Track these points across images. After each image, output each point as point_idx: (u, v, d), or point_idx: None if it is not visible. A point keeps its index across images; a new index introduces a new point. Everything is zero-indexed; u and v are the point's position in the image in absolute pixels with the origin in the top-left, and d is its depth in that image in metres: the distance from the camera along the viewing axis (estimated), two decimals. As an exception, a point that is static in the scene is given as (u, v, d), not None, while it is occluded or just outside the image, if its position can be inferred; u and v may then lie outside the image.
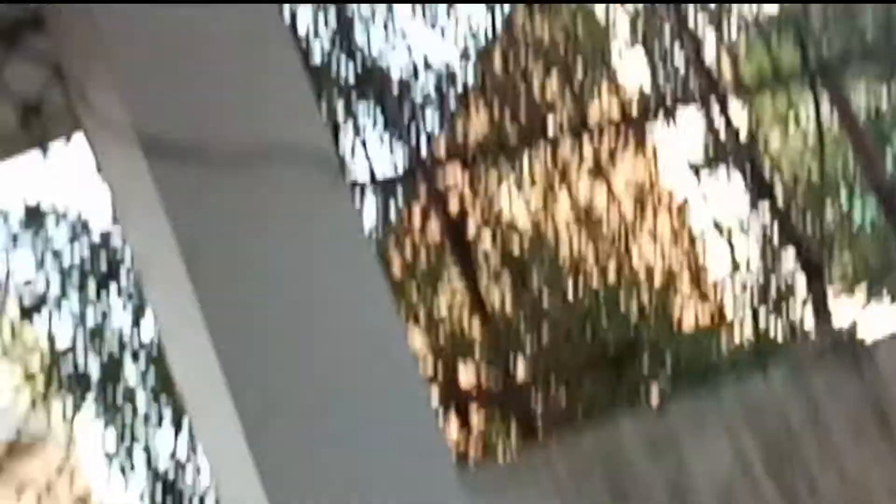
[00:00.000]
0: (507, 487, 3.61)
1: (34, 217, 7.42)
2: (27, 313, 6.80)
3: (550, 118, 6.86)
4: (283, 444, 3.37)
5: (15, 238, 7.68)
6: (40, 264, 7.63)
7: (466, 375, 6.49)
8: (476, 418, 6.38)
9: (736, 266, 7.46)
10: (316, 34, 6.60)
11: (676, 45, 7.25)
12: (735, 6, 7.31)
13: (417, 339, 6.48)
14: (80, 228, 7.49)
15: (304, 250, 3.48)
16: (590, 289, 6.74)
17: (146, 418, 7.53)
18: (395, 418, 3.50)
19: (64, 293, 7.62)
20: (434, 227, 6.58)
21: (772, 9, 7.70)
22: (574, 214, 6.71)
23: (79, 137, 3.60)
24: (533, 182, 6.81)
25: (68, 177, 7.27)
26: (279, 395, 3.40)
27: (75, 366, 7.75)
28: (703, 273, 7.56)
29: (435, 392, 6.10)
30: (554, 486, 3.63)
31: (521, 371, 6.37)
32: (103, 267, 7.48)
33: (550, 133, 6.84)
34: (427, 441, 3.54)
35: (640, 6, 7.06)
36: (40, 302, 7.56)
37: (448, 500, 3.46)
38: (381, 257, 4.17)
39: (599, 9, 7.23)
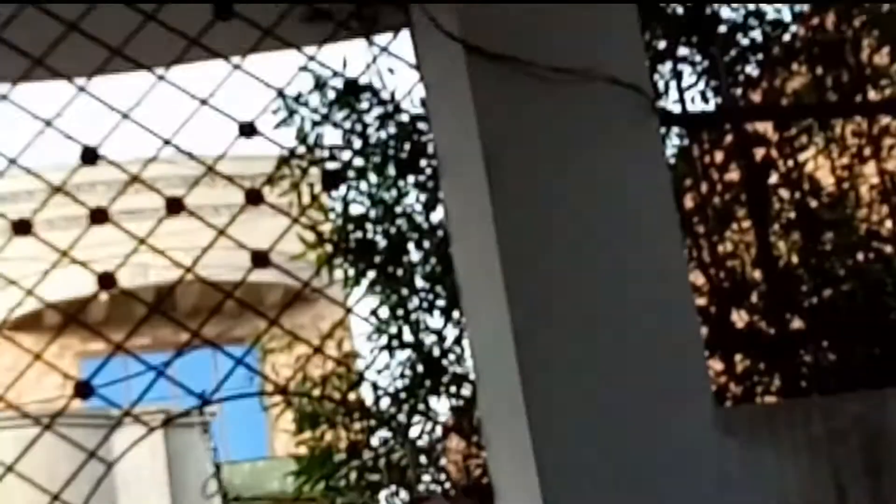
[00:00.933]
0: (761, 433, 3.60)
1: (350, 91, 7.61)
2: (328, 182, 7.02)
3: (872, 89, 6.67)
4: (549, 351, 3.46)
5: (329, 108, 7.91)
6: (348, 138, 7.85)
7: (740, 319, 6.45)
8: (742, 362, 6.36)
9: None
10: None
11: None
12: None
13: (697, 276, 6.46)
14: (391, 110, 7.66)
15: (603, 170, 3.54)
16: (883, 257, 6.59)
17: (421, 299, 7.68)
18: (661, 348, 3.56)
19: (365, 168, 7.83)
20: (734, 170, 6.52)
21: None
22: (880, 185, 6.55)
23: (406, 32, 3.71)
24: (844, 147, 6.65)
25: (386, 62, 7.46)
26: (553, 303, 3.48)
27: (364, 238, 7.96)
28: None
29: (705, 330, 6.09)
30: (807, 443, 3.60)
31: (796, 324, 6.29)
32: (406, 151, 7.64)
33: (870, 103, 6.66)
34: (689, 375, 3.59)
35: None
36: (342, 173, 7.79)
37: (701, 436, 3.51)
38: (676, 192, 4.17)
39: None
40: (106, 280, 3.27)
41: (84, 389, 3.30)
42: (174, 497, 17.76)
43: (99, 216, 3.36)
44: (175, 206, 3.38)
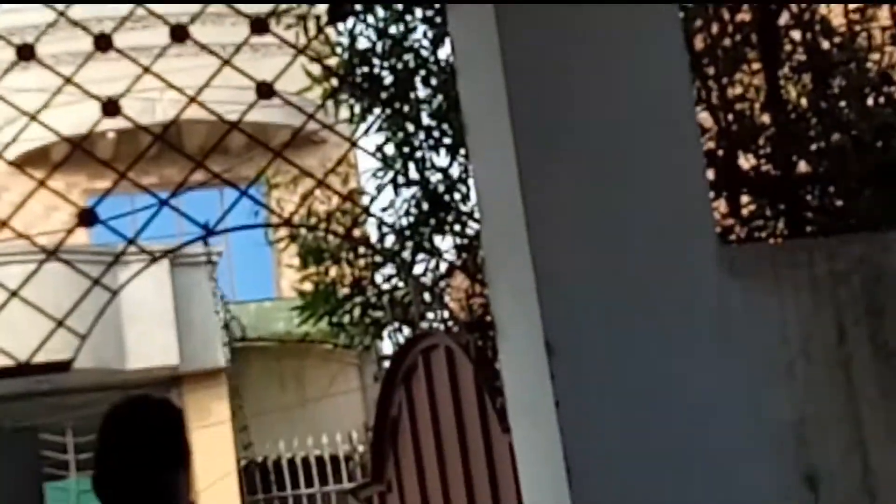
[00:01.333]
0: (765, 274, 3.61)
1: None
2: (335, 14, 6.92)
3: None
4: (553, 188, 3.44)
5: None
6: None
7: (747, 162, 6.43)
8: (747, 206, 6.36)
9: None
10: None
11: None
12: None
13: (706, 119, 6.43)
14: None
15: (612, 7, 3.49)
16: (893, 101, 6.55)
17: (427, 136, 7.62)
18: (666, 187, 3.54)
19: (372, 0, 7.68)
20: (746, 11, 6.44)
21: None
22: (892, 27, 6.47)
23: None
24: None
25: None
26: (559, 139, 3.46)
27: (370, 73, 7.88)
28: None
29: (711, 173, 6.08)
30: (810, 283, 3.61)
31: (803, 167, 6.27)
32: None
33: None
34: (693, 215, 3.58)
35: None
36: (349, 5, 7.66)
37: (704, 275, 3.51)
38: (686, 32, 4.12)
39: None
40: (111, 107, 3.26)
41: (88, 217, 3.30)
42: (180, 334, 17.88)
43: (103, 43, 3.32)
44: (180, 34, 3.35)
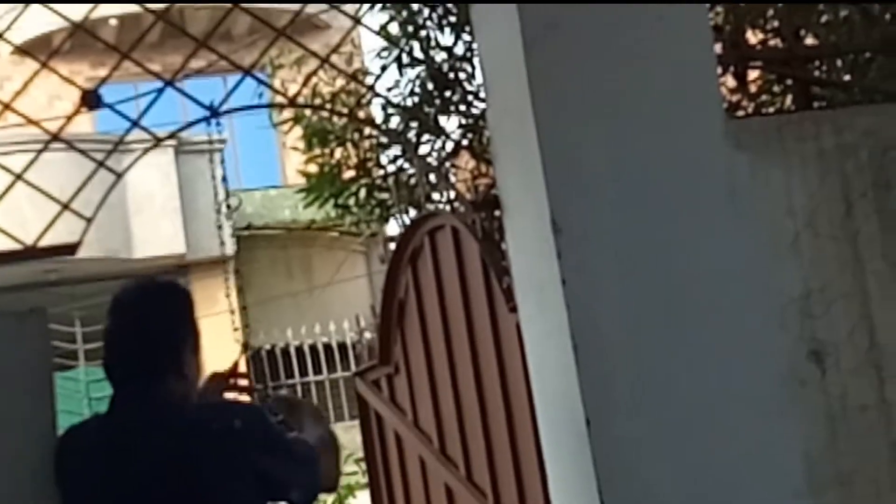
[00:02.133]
0: (772, 147, 3.59)
1: None
2: None
3: None
4: (560, 61, 3.42)
5: None
6: None
7: (754, 36, 6.37)
8: (755, 80, 6.30)
9: None
10: None
11: None
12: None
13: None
14: None
15: None
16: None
17: (432, 13, 7.45)
18: (673, 63, 3.51)
19: None
20: None
21: None
22: None
23: None
24: None
25: None
26: (564, 10, 3.42)
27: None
28: None
29: (718, 47, 6.02)
30: (817, 156, 3.59)
31: (810, 41, 6.20)
32: None
33: None
34: (701, 90, 3.55)
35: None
36: None
37: (711, 149, 3.49)
38: None
39: None
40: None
41: (92, 99, 3.27)
42: (186, 222, 17.91)
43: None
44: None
